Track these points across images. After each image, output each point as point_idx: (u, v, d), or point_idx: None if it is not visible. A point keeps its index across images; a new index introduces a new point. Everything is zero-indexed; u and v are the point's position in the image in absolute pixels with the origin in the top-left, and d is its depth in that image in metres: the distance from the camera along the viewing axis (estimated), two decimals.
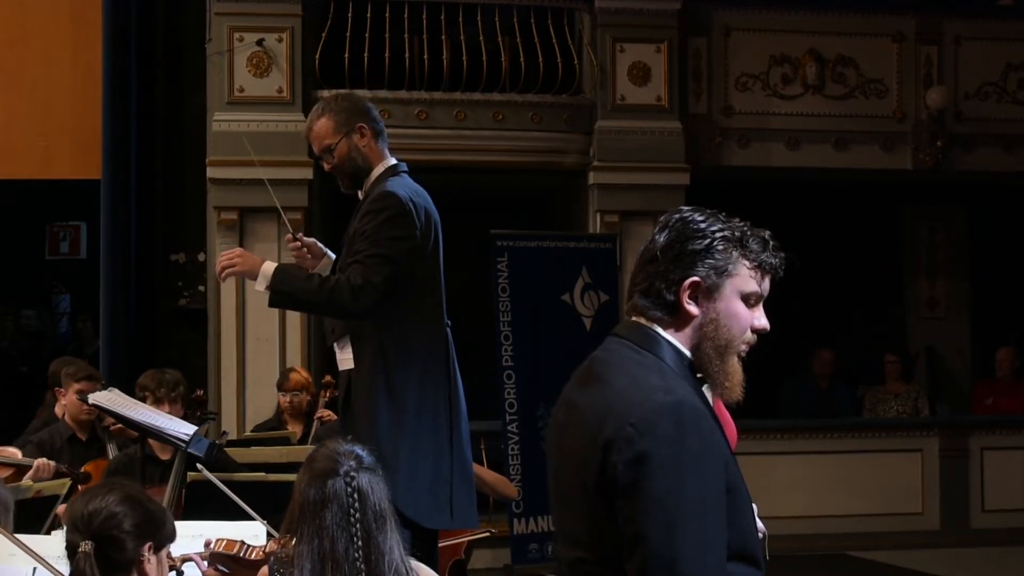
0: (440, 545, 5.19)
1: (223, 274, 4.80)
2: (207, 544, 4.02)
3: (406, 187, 4.80)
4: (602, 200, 9.71)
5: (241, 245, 9.14)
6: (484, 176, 9.86)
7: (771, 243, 2.64)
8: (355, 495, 3.17)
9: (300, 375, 8.03)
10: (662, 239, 2.63)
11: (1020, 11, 10.39)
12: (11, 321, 12.65)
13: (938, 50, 10.47)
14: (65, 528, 3.13)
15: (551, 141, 9.70)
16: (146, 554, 3.12)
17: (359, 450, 3.28)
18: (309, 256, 4.98)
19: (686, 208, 2.67)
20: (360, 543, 3.14)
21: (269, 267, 4.70)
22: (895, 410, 10.58)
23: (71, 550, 3.08)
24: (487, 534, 6.42)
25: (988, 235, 11.82)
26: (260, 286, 4.71)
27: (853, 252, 11.47)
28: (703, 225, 2.61)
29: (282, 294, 4.73)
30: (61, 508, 4.56)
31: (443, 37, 9.53)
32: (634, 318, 2.67)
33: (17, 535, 3.79)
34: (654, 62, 9.77)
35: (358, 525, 3.15)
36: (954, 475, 10.01)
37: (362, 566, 3.13)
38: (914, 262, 12.10)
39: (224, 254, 4.83)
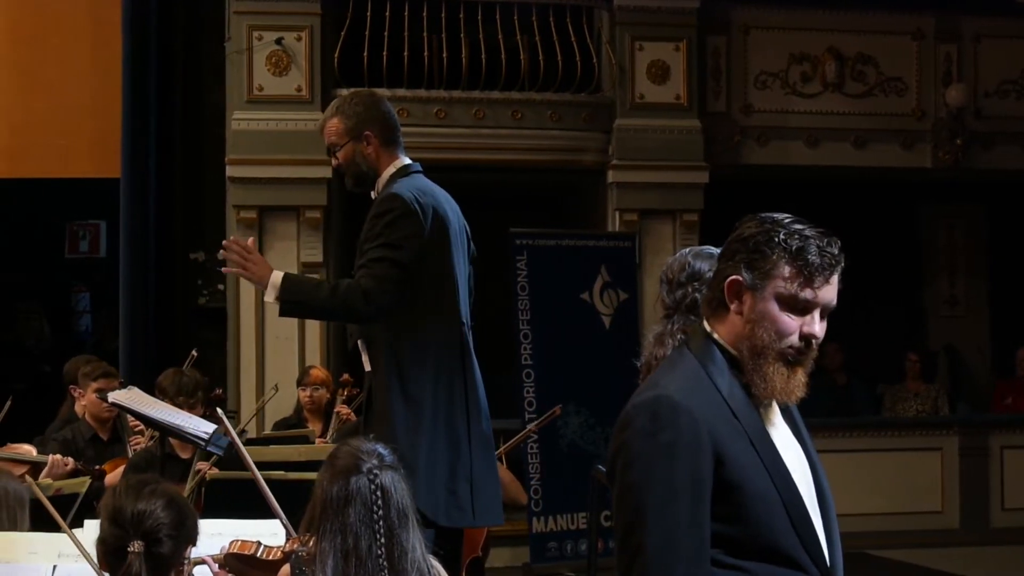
0: None
1: (231, 271, 4.73)
2: (222, 549, 4.00)
3: (413, 187, 4.71)
4: (621, 198, 9.70)
5: (260, 243, 9.14)
6: (503, 175, 9.86)
7: (823, 248, 2.57)
8: (378, 492, 3.17)
9: (320, 371, 8.10)
10: (728, 239, 2.67)
11: None
12: (34, 319, 12.68)
13: (957, 48, 10.44)
14: (104, 521, 3.12)
15: (570, 140, 9.70)
16: (187, 558, 3.16)
17: (381, 448, 3.29)
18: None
19: (770, 214, 2.65)
20: (383, 540, 3.15)
21: (277, 276, 4.60)
22: (915, 409, 10.56)
23: (112, 545, 3.09)
24: None
25: (1008, 233, 11.77)
26: (269, 296, 4.61)
27: (872, 250, 11.41)
28: (758, 228, 2.61)
29: (293, 304, 4.66)
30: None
31: (462, 35, 9.53)
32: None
33: (35, 533, 3.81)
34: (673, 60, 9.76)
35: (381, 522, 3.16)
36: (974, 474, 9.98)
37: (385, 563, 3.13)
38: (934, 260, 12.06)
39: (237, 244, 4.68)
